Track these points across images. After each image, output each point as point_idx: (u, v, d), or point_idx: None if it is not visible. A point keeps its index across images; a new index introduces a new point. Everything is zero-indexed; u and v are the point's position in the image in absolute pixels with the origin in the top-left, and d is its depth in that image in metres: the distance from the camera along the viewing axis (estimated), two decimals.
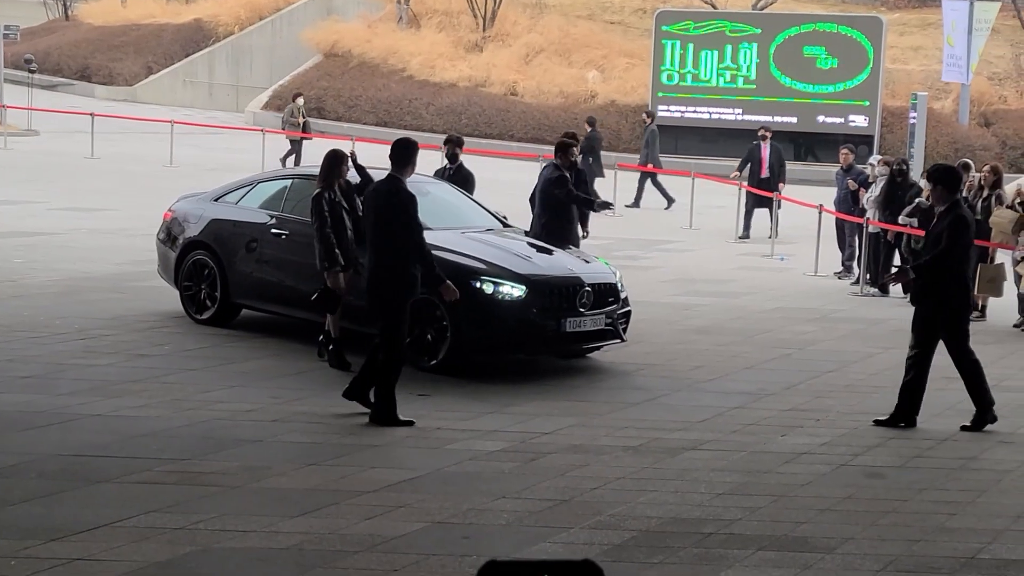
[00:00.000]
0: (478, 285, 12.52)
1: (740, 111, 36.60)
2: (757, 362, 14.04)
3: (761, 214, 24.02)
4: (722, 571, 7.89)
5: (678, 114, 37.23)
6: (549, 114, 38.20)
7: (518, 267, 12.79)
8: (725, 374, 13.41)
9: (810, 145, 36.94)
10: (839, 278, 20.42)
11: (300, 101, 32.14)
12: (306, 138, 31.15)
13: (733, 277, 19.84)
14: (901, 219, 18.28)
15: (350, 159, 12.96)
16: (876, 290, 19.12)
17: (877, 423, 11.58)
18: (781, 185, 24.06)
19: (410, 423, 10.74)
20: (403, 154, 10.90)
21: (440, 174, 15.75)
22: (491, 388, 12.22)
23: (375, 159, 13.91)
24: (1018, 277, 16.67)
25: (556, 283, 12.84)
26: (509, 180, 27.72)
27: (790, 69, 36.64)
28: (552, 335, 12.76)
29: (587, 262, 13.66)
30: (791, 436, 11.14)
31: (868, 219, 19.01)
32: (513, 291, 12.56)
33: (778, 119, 36.52)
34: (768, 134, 24.99)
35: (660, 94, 37.48)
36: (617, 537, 8.40)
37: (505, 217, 14.81)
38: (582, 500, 9.18)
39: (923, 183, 18.63)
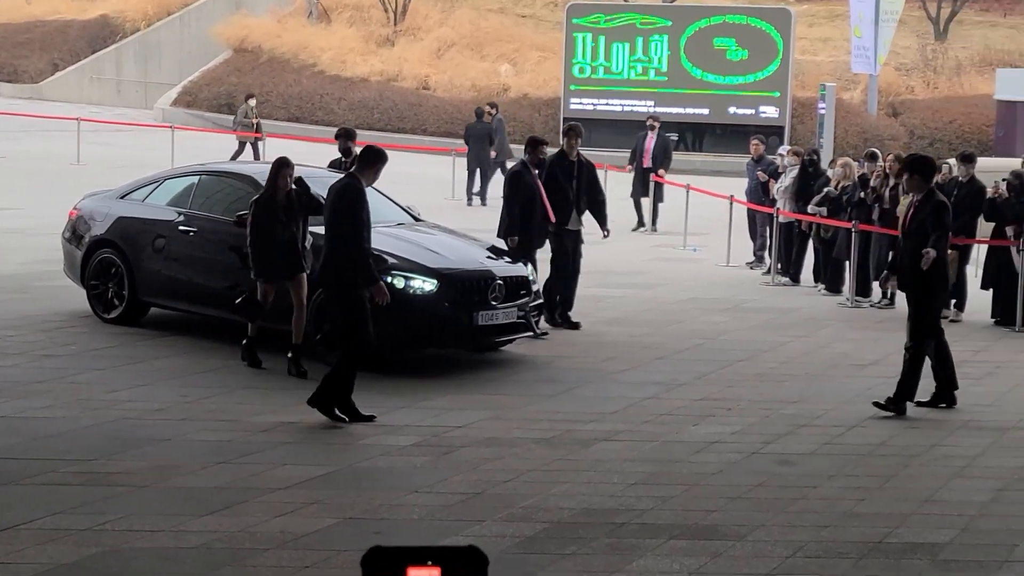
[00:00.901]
0: (389, 279, 12.45)
1: (652, 103, 36.71)
2: (669, 352, 14.10)
3: (649, 203, 23.97)
4: (634, 560, 7.91)
5: (591, 107, 37.32)
6: (462, 108, 38.10)
7: (429, 261, 12.75)
8: (638, 365, 13.45)
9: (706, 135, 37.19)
10: (751, 268, 20.57)
11: (252, 102, 31.66)
12: (259, 139, 30.78)
13: (646, 269, 19.92)
14: (811, 208, 18.45)
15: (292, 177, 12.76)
16: (787, 279, 19.28)
17: (919, 404, 11.91)
18: (659, 171, 23.68)
19: (371, 418, 10.74)
20: (370, 159, 10.89)
21: (336, 166, 15.62)
22: (403, 382, 12.17)
23: (289, 155, 13.75)
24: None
25: (468, 277, 12.82)
26: (421, 174, 27.67)
27: (701, 61, 36.85)
28: (464, 329, 12.73)
29: (499, 256, 13.64)
30: (703, 425, 11.20)
31: (779, 209, 19.16)
32: (424, 285, 12.52)
33: (690, 111, 36.76)
34: (656, 124, 24.80)
35: (572, 87, 37.54)
36: (529, 529, 8.39)
37: (415, 211, 14.75)
38: (495, 493, 9.16)
39: (831, 172, 18.83)
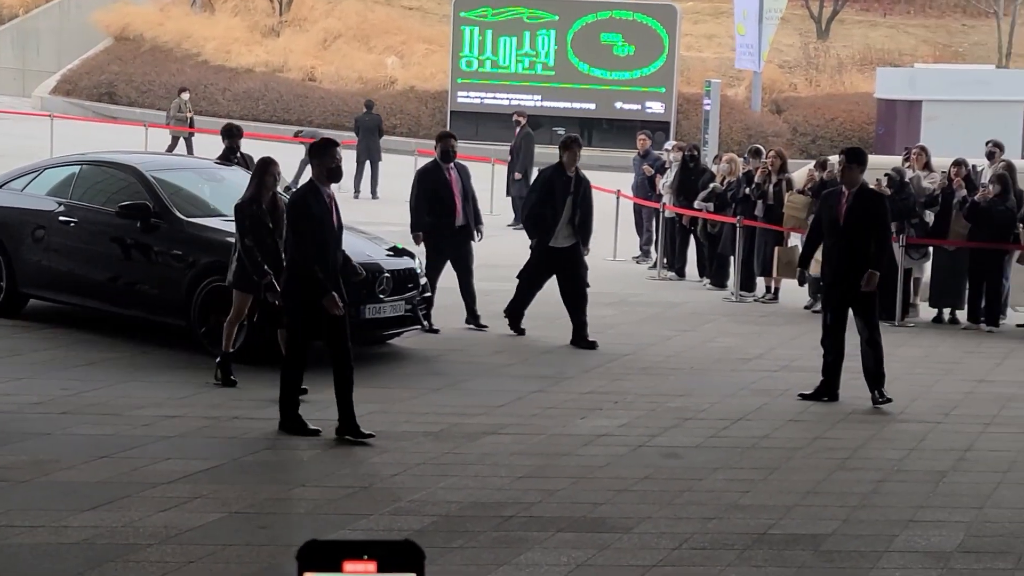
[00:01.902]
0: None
1: (539, 97, 36.86)
2: (556, 346, 14.14)
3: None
4: (522, 553, 7.91)
5: (477, 100, 37.32)
6: (348, 100, 37.89)
7: None
8: (525, 359, 13.47)
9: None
10: (637, 262, 20.71)
11: (185, 96, 30.97)
12: (192, 133, 30.08)
13: None
14: (697, 204, 18.61)
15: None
16: (673, 274, 19.45)
17: (802, 397, 12.08)
18: (516, 172, 23.37)
19: (316, 432, 10.19)
20: (317, 153, 10.31)
21: (226, 157, 15.43)
22: None
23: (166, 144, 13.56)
24: None
25: None
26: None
27: (588, 56, 37.01)
28: (351, 322, 12.62)
29: (386, 248, 13.57)
30: (590, 419, 11.24)
31: (665, 204, 19.31)
32: None
33: (577, 105, 36.92)
34: (521, 119, 24.55)
35: (459, 80, 37.51)
36: (417, 522, 8.36)
37: None
38: (382, 486, 9.12)
39: (716, 168, 19.02)
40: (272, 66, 40.57)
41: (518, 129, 24.34)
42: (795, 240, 17.48)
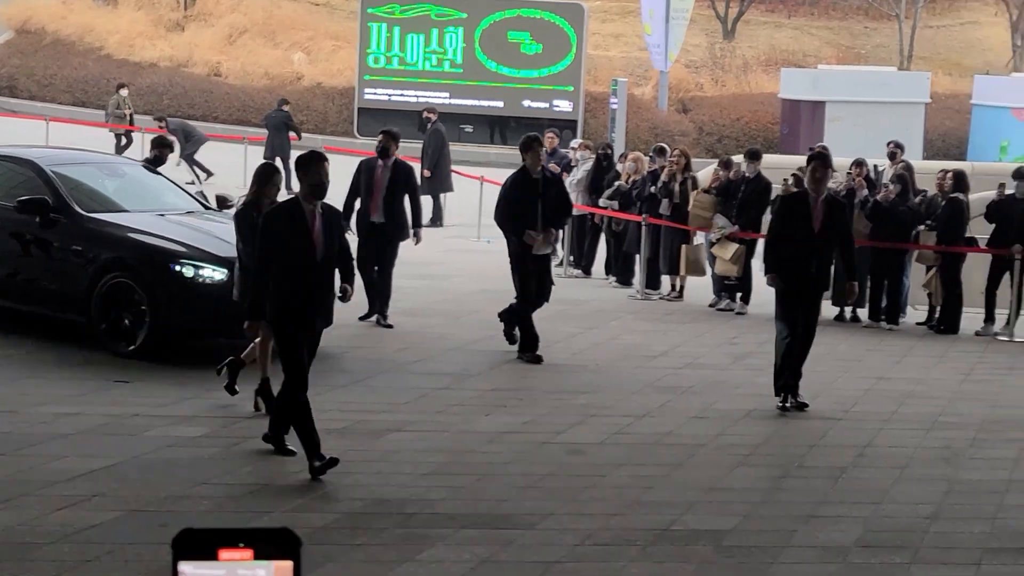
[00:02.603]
0: (178, 268, 12.23)
1: (448, 95, 36.80)
2: (462, 343, 14.13)
3: (448, 198, 23.87)
4: (425, 550, 7.89)
5: (385, 97, 37.21)
6: (254, 96, 37.62)
7: (219, 250, 12.51)
8: (430, 356, 13.44)
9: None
10: None
11: (124, 92, 30.44)
12: (132, 130, 29.53)
13: (440, 260, 19.92)
14: (602, 202, 18.69)
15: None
16: (580, 271, 19.52)
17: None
18: (425, 169, 23.08)
19: (291, 452, 9.69)
20: (301, 166, 9.44)
21: (152, 162, 15.25)
22: (192, 373, 11.94)
23: (72, 140, 13.38)
24: (713, 259, 17.24)
25: None
26: (213, 162, 27.21)
27: (496, 54, 37.03)
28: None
29: None
30: (494, 415, 11.24)
31: (574, 203, 19.35)
32: (215, 274, 12.30)
33: (485, 103, 36.92)
34: (431, 116, 24.39)
35: (367, 77, 37.37)
36: (320, 520, 8.31)
37: (206, 199, 14.49)
38: (284, 484, 9.05)
39: (620, 167, 19.10)
40: (176, 61, 40.17)
41: (428, 125, 24.28)
42: (700, 239, 17.63)
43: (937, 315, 16.77)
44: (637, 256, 18.17)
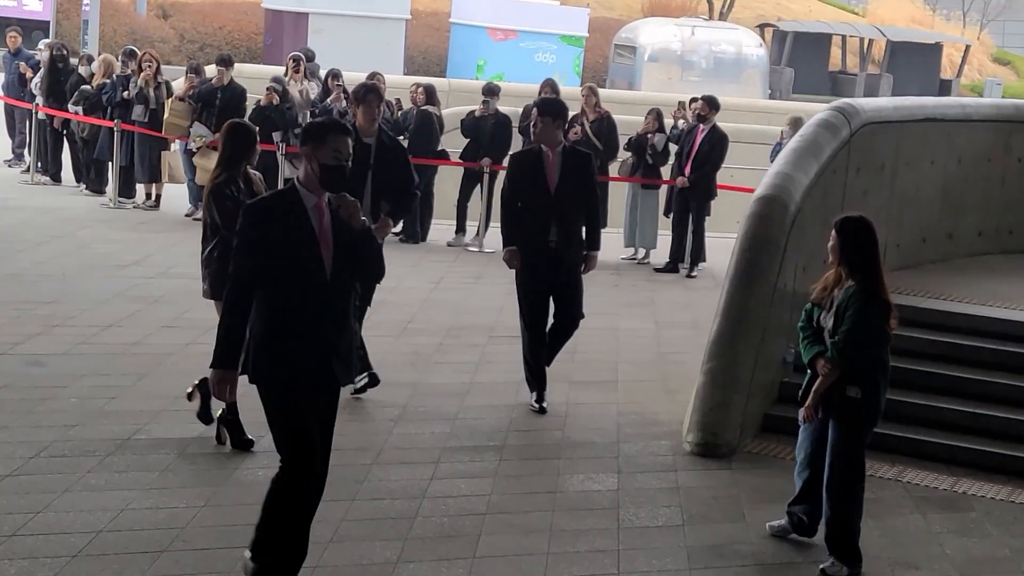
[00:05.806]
0: None
1: None
2: None
3: None
4: None
5: None
6: None
7: None
8: None
9: None
10: (10, 166, 19.75)
11: None
12: None
13: None
14: (70, 107, 17.91)
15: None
16: (48, 178, 18.67)
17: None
18: None
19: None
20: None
21: None
22: None
23: None
24: (194, 169, 16.76)
25: None
26: None
27: None
28: None
29: None
30: None
31: (37, 105, 18.46)
32: None
33: None
34: None
35: None
36: None
37: None
38: None
39: (83, 70, 18.29)
40: None
41: None
42: (176, 146, 17.20)
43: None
44: (110, 163, 17.54)
